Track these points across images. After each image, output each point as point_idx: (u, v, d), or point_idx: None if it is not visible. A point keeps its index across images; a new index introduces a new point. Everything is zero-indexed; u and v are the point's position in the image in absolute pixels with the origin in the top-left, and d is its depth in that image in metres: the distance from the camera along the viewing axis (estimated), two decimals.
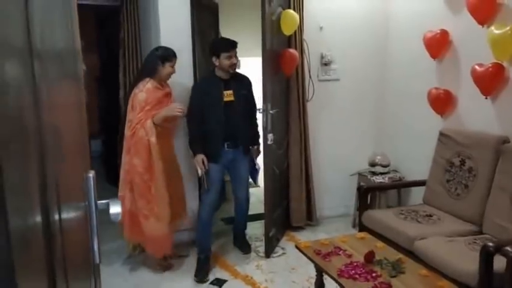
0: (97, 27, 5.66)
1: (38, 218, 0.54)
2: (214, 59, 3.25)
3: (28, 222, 0.51)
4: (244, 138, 3.40)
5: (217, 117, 3.26)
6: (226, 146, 3.32)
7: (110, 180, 5.26)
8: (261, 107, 3.44)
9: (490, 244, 2.26)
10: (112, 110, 4.90)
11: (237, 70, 3.46)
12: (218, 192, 3.45)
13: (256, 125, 3.62)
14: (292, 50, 3.80)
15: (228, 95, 3.28)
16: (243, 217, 3.71)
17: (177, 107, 3.11)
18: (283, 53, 3.75)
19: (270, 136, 3.41)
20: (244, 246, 3.69)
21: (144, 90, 3.12)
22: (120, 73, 4.47)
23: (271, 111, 3.42)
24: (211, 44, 3.38)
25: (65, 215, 0.75)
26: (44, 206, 0.56)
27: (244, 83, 3.43)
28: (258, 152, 3.60)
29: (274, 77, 3.61)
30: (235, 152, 3.37)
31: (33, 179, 0.53)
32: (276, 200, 3.74)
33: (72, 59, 0.93)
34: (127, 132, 3.18)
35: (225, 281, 3.16)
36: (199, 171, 3.26)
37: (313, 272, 2.62)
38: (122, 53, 4.41)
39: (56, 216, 0.65)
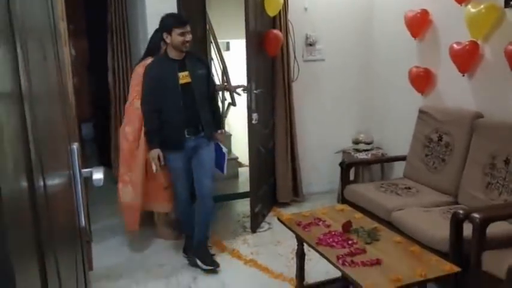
0: (86, 12, 5.69)
1: (24, 184, 0.62)
2: (165, 35, 2.93)
3: (15, 188, 0.56)
4: (206, 123, 3.08)
5: (175, 102, 2.97)
6: (186, 133, 3.03)
7: (102, 162, 5.38)
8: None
9: (460, 211, 2.40)
10: (102, 94, 4.98)
11: (226, 52, 3.51)
12: (189, 181, 3.15)
13: (218, 108, 3.41)
14: (276, 31, 3.88)
15: (184, 77, 2.99)
16: (204, 220, 3.15)
17: None
18: (267, 33, 3.83)
19: (255, 116, 3.52)
20: (208, 259, 3.13)
21: (144, 65, 3.20)
22: (109, 57, 4.55)
23: (255, 91, 3.52)
24: (162, 20, 2.99)
25: (49, 182, 0.85)
26: (29, 172, 0.64)
27: (200, 62, 3.14)
28: (223, 137, 3.39)
29: (258, 57, 3.70)
30: (197, 139, 3.06)
31: (19, 146, 0.61)
32: (261, 178, 3.87)
33: (51, 33, 1.01)
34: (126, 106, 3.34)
35: (212, 255, 3.28)
36: (154, 168, 3.05)
37: (297, 245, 2.74)
38: (109, 37, 4.48)
39: (41, 183, 0.74)
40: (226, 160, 3.32)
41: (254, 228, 3.70)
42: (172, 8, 3.62)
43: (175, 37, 2.90)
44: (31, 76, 0.66)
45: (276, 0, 3.75)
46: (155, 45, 3.26)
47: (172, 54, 2.99)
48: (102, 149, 5.51)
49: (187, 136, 3.03)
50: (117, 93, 4.64)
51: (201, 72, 3.07)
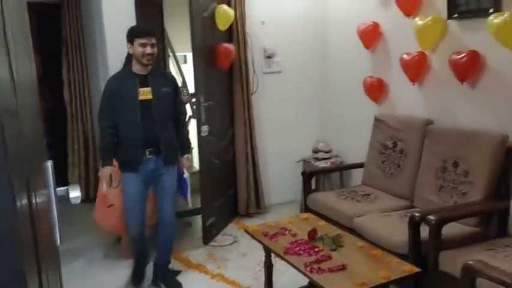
0: (38, 25, 5.54)
1: (25, 201, 0.62)
2: (128, 46, 2.82)
3: (22, 204, 0.58)
4: (166, 145, 2.88)
5: (133, 119, 2.79)
6: (148, 153, 2.83)
7: (59, 183, 5.20)
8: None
9: (417, 214, 2.53)
10: (57, 110, 4.84)
11: (184, 65, 3.50)
12: (143, 208, 2.95)
13: (185, 130, 3.16)
14: (227, 45, 3.91)
15: (145, 93, 2.81)
16: (166, 244, 3.06)
17: None
18: (217, 47, 3.85)
19: (204, 128, 3.56)
20: (170, 282, 3.07)
21: None
22: (64, 71, 4.46)
23: (204, 104, 3.56)
24: (127, 31, 2.88)
25: (38, 200, 0.85)
26: (27, 190, 0.65)
27: (166, 80, 2.98)
28: (189, 163, 3.18)
29: (211, 70, 3.74)
30: (158, 160, 2.87)
31: (18, 162, 0.62)
32: (216, 190, 3.88)
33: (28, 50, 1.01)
34: None
35: (179, 272, 3.23)
36: (104, 187, 2.85)
37: (263, 256, 2.72)
38: (65, 51, 4.40)
39: (34, 200, 0.74)
40: (189, 189, 3.16)
41: (207, 241, 3.69)
42: (131, 22, 3.60)
43: (136, 48, 2.77)
44: (21, 93, 0.68)
45: (225, 15, 3.78)
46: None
47: (136, 68, 2.84)
48: (58, 168, 5.34)
49: (148, 156, 2.83)
50: (74, 109, 4.54)
51: (165, 91, 2.89)
